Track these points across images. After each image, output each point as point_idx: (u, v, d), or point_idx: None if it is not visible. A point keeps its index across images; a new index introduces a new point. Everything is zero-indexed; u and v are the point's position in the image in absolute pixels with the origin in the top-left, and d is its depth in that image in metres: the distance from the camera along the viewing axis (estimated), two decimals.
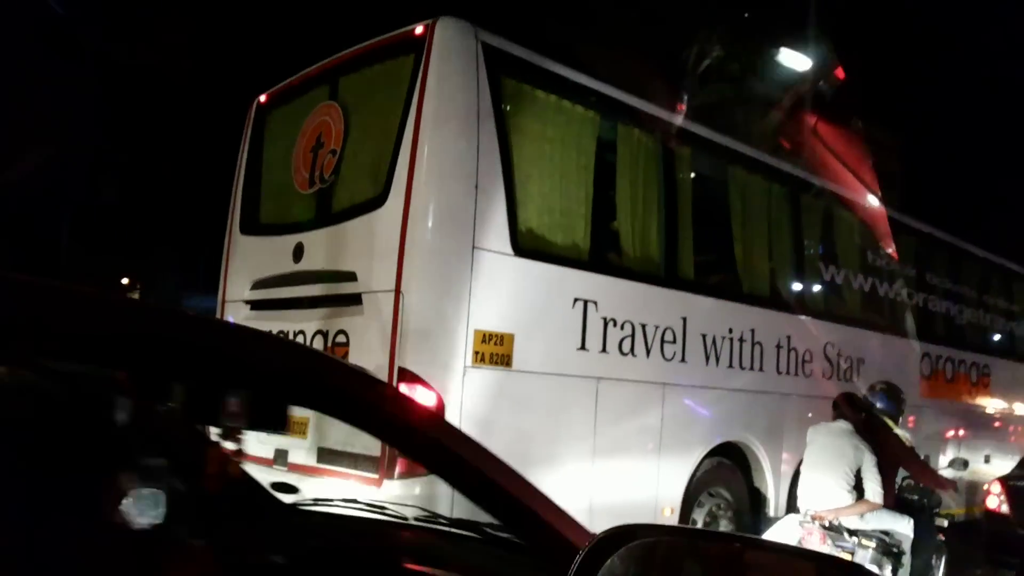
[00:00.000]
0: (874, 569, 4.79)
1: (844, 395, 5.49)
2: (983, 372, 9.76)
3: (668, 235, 5.71)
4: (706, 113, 7.57)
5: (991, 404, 10.14)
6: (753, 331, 6.24)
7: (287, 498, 1.81)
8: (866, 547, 4.82)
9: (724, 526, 6.00)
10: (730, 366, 6.05)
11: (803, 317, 6.82)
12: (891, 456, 5.20)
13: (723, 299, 6.18)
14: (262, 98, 5.91)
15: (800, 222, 7.06)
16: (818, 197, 7.28)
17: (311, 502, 1.80)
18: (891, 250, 8.09)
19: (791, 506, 6.09)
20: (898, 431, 5.43)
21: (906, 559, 4.99)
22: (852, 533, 4.88)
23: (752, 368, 6.25)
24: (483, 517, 1.50)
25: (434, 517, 1.78)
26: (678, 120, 6.13)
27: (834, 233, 7.54)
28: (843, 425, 5.22)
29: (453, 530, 1.70)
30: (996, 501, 7.17)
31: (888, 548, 4.90)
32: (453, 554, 1.71)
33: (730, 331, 6.07)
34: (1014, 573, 7.09)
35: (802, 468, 5.31)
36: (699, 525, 5.71)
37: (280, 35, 12.90)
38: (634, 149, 5.59)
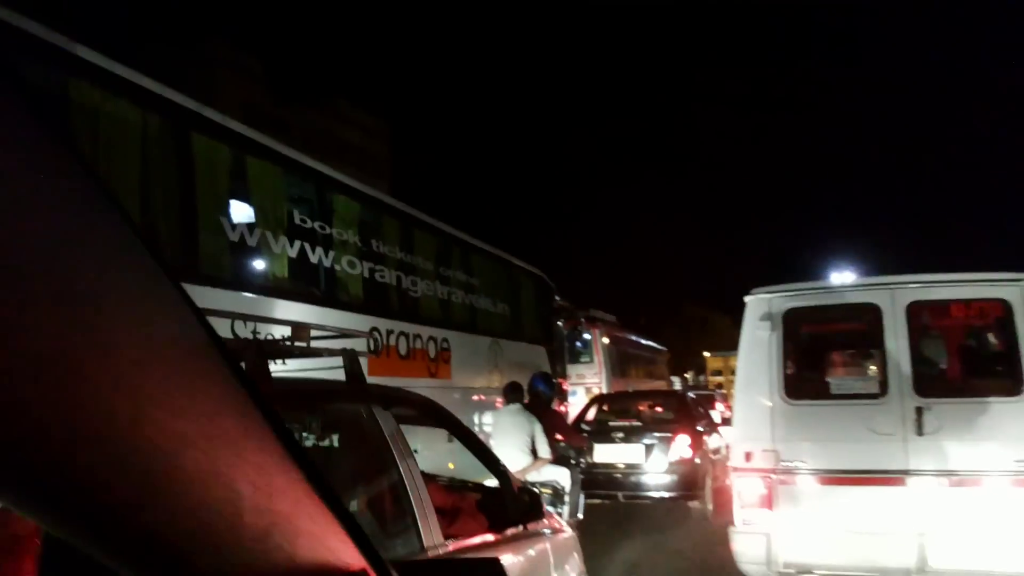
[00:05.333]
0: (551, 509, 6.53)
1: (510, 384, 7.18)
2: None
3: None
4: None
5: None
6: None
7: None
8: (545, 494, 6.52)
9: None
10: None
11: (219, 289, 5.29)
12: (551, 424, 7.01)
13: None
14: None
15: (193, 174, 5.35)
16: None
17: None
18: (324, 210, 6.78)
19: None
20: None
21: (567, 497, 6.84)
22: (534, 486, 6.53)
23: None
24: None
25: None
26: None
27: (240, 188, 5.90)
28: (515, 406, 6.90)
29: None
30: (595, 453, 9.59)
31: (558, 492, 6.68)
32: None
33: None
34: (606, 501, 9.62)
35: (492, 443, 6.85)
36: None
37: None
38: None
